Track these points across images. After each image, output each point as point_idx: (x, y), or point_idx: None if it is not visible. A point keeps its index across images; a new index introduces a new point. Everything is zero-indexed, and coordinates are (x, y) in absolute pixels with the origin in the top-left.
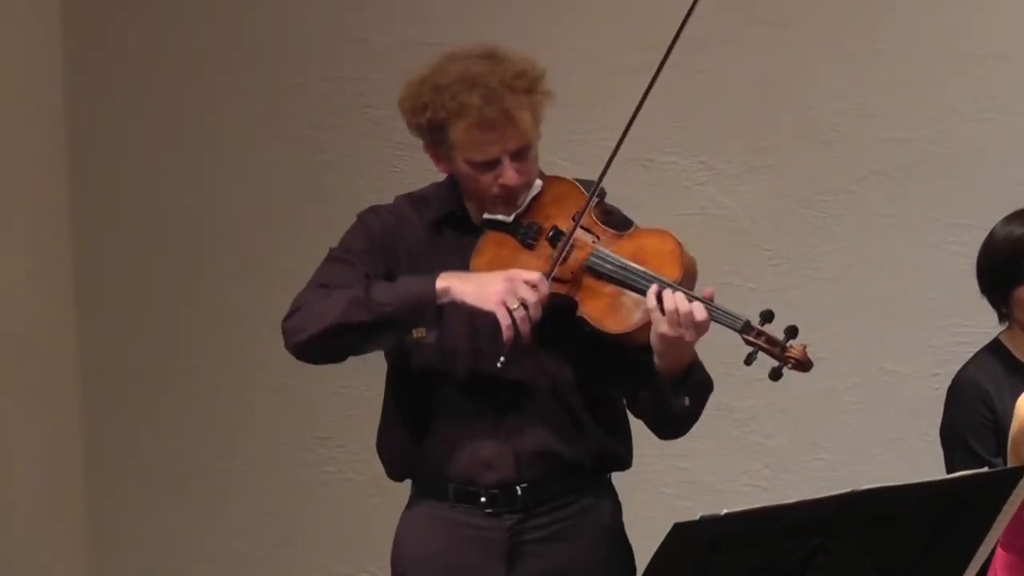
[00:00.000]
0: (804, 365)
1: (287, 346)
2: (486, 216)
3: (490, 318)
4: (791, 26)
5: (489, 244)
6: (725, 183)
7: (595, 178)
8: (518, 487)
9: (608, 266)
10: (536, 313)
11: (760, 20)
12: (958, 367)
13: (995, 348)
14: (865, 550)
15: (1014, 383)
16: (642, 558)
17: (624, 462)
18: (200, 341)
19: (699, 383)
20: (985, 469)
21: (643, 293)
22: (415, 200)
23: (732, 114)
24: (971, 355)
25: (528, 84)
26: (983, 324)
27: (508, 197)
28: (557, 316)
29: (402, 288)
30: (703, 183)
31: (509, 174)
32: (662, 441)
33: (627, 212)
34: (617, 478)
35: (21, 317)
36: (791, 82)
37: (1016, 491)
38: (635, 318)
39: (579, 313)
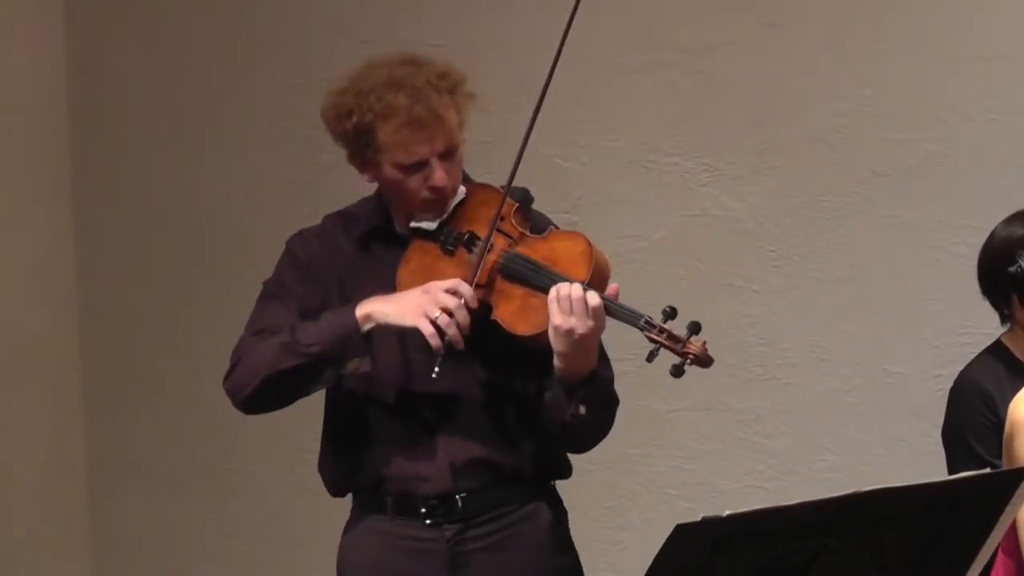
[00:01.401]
0: (703, 361)
1: (235, 406)
2: (412, 224)
3: (416, 334)
4: (793, 27)
5: (415, 253)
6: (728, 184)
7: (603, 180)
8: (457, 497)
9: (518, 267)
10: (462, 317)
11: (762, 21)
12: (961, 368)
13: (997, 349)
14: (868, 551)
15: (1016, 384)
16: (644, 559)
17: (564, 469)
18: (201, 341)
19: (599, 394)
20: (987, 470)
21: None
22: (344, 217)
23: (735, 115)
24: (974, 356)
25: (451, 85)
26: (985, 325)
27: (437, 200)
28: (480, 322)
29: (325, 325)
30: (706, 184)
31: (438, 175)
32: (666, 441)
33: (629, 213)
34: (619, 478)
35: (23, 317)
36: (794, 83)
37: (1018, 492)
38: (542, 320)
39: (492, 316)
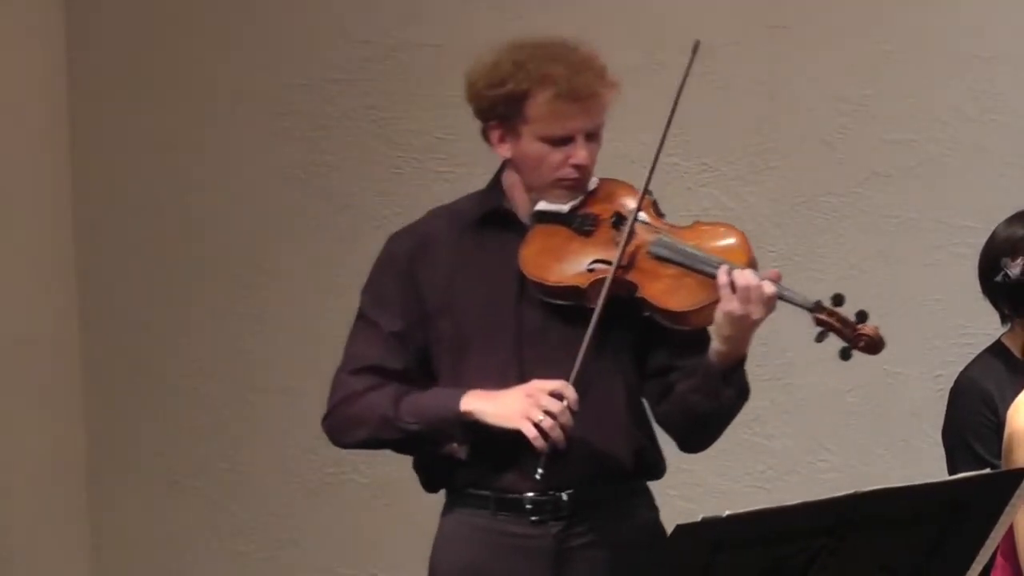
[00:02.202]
0: (875, 344)
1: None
2: (539, 208)
3: (518, 435)
4: (794, 28)
5: (538, 235)
6: (728, 184)
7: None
8: (564, 493)
9: (672, 251)
10: (566, 420)
11: (764, 22)
12: (961, 368)
13: (997, 350)
14: (869, 552)
15: (1016, 384)
16: None
17: (660, 468)
18: (203, 342)
19: (744, 383)
20: (987, 470)
21: (708, 275)
22: (451, 211)
23: (735, 116)
24: (974, 356)
25: (602, 68)
26: (985, 325)
27: (575, 180)
28: (616, 310)
29: (429, 407)
30: (706, 184)
31: (581, 153)
32: (666, 441)
33: None
34: None
35: (23, 317)
36: (794, 83)
37: (1018, 492)
38: (698, 298)
39: (639, 295)
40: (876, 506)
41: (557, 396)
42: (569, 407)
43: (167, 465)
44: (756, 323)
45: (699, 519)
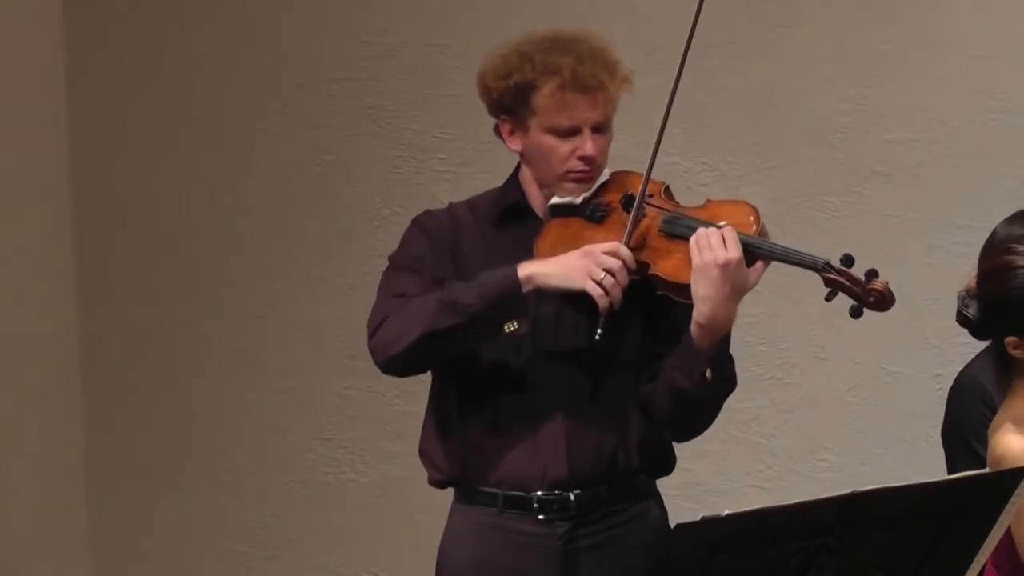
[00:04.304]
0: (886, 300)
1: (377, 363)
2: (552, 202)
3: (581, 295)
4: (793, 27)
5: (553, 227)
6: (728, 184)
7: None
8: (571, 494)
9: (681, 226)
10: (623, 278)
11: (764, 21)
12: (960, 368)
13: (996, 349)
14: (868, 551)
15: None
16: None
17: (670, 465)
18: (202, 341)
19: (725, 364)
20: (987, 470)
21: None
22: (471, 204)
23: (735, 115)
24: (973, 356)
25: (613, 62)
26: None
27: (584, 173)
28: (631, 297)
29: (484, 285)
30: (706, 184)
31: (588, 145)
32: None
33: None
34: None
35: (23, 317)
36: (795, 83)
37: (1018, 491)
38: None
39: (652, 271)
40: (875, 506)
41: (614, 254)
42: (624, 265)
43: (166, 465)
44: (724, 274)
45: (699, 518)
